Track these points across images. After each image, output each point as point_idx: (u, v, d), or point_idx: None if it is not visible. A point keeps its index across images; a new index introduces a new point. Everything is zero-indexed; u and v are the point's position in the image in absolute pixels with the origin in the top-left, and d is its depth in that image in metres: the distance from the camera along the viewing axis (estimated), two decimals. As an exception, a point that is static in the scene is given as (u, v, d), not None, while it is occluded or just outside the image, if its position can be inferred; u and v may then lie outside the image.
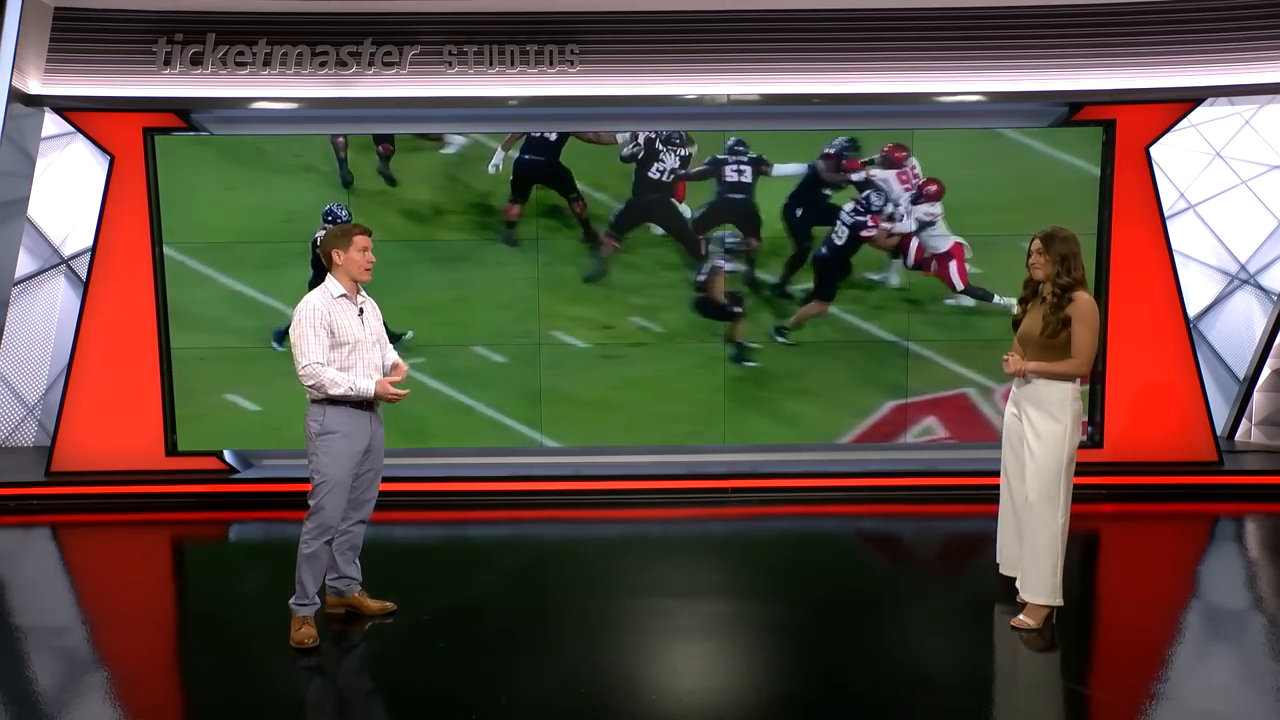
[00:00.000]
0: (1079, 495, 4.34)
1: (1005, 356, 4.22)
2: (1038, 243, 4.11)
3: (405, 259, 6.34)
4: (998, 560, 4.49)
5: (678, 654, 4.14)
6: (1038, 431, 4.09)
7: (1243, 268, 7.21)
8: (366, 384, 4.08)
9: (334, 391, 4.02)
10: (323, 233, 5.87)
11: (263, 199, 6.31)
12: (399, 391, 4.14)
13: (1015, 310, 4.34)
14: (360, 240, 4.13)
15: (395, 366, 4.30)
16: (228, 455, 6.58)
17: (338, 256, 4.11)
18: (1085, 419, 4.31)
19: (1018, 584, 4.30)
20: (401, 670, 3.92)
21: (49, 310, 7.19)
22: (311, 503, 4.10)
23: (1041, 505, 4.09)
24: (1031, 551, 4.15)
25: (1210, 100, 6.56)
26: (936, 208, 6.36)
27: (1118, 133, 6.31)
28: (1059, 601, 4.16)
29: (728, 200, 6.38)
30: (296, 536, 4.15)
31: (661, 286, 6.44)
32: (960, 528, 5.95)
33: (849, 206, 6.39)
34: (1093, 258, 6.29)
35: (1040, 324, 4.10)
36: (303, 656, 4.01)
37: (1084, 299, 4.05)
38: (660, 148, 6.31)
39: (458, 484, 6.45)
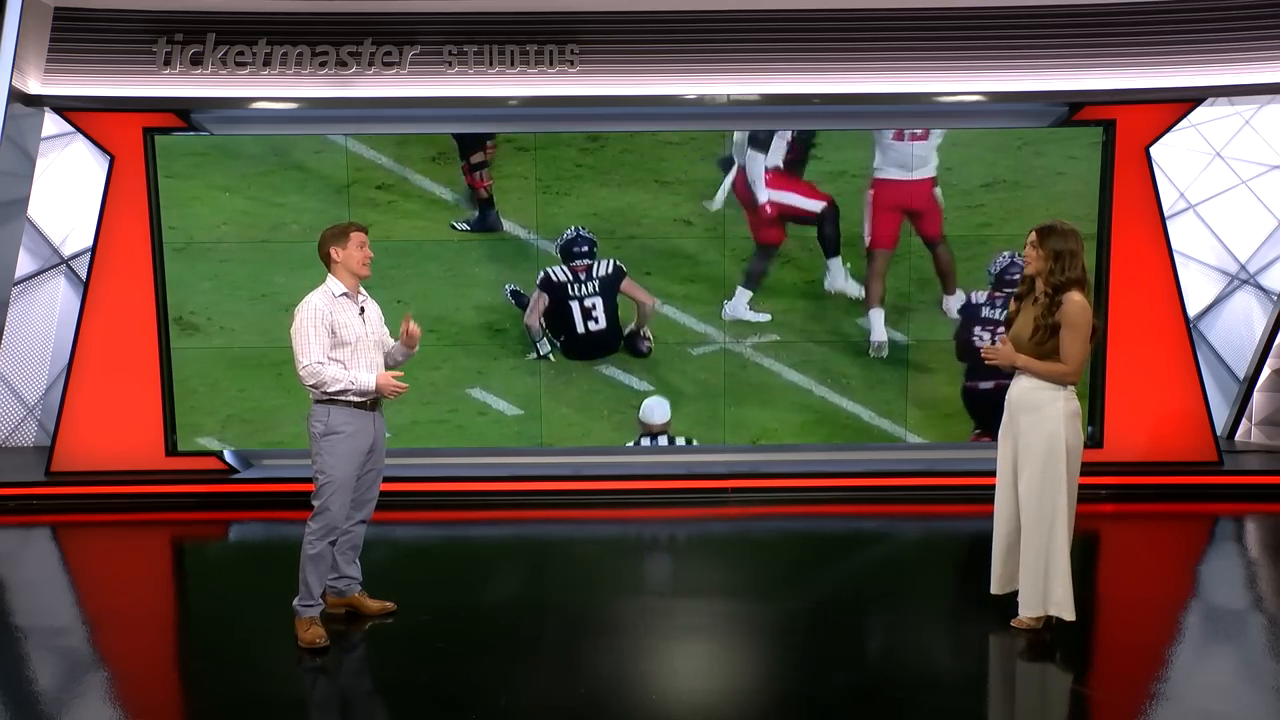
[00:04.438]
0: (1078, 495, 4.31)
1: (1001, 337, 4.06)
2: (1034, 235, 3.95)
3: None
4: (990, 579, 4.27)
5: (678, 654, 4.14)
6: (1030, 438, 3.98)
7: (1243, 268, 7.21)
8: (367, 378, 4.07)
9: (334, 389, 4.01)
10: None
11: (266, 199, 6.32)
12: (400, 385, 4.12)
13: (1011, 306, 4.17)
14: (357, 237, 4.13)
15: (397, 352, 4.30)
16: (228, 455, 6.58)
17: (336, 254, 4.11)
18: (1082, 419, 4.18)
19: (1019, 599, 4.15)
20: (401, 670, 3.92)
21: (49, 310, 7.19)
22: (316, 503, 4.09)
23: (1040, 513, 3.97)
24: (1033, 563, 4.00)
25: (1210, 100, 6.56)
26: None
27: (1118, 133, 6.31)
28: (1068, 616, 3.99)
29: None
30: (297, 536, 4.15)
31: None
32: (960, 528, 5.95)
33: None
34: (1093, 258, 6.29)
35: (1031, 327, 3.95)
36: (310, 656, 4.00)
37: (1074, 301, 3.87)
38: None
39: (458, 484, 6.45)
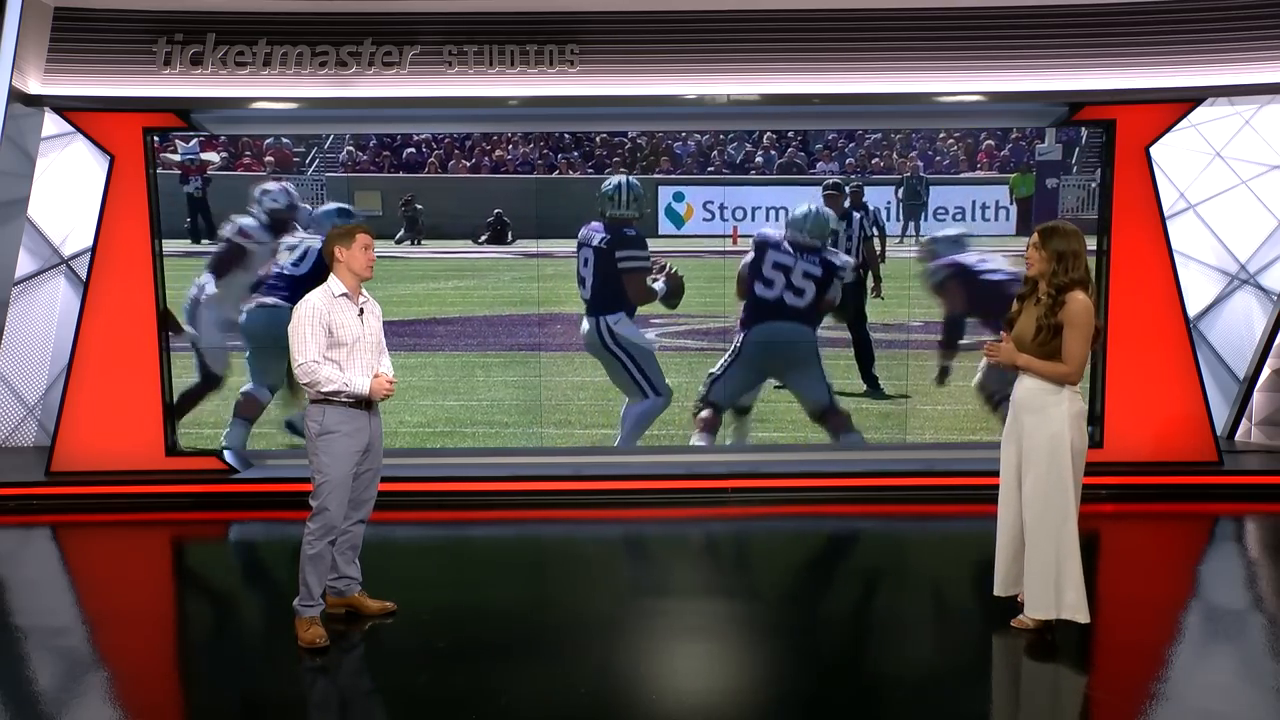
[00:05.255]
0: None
1: (1003, 335, 4.04)
2: (1036, 236, 3.94)
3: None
4: (994, 582, 4.22)
5: (678, 654, 4.14)
6: (1034, 439, 3.95)
7: (1243, 268, 7.20)
8: (361, 382, 4.09)
9: (328, 389, 4.03)
10: None
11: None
12: (390, 387, 4.17)
13: (1013, 307, 4.13)
14: (363, 239, 4.15)
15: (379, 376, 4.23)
16: (228, 455, 6.58)
17: (340, 253, 4.13)
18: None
19: (1019, 598, 4.15)
20: (401, 670, 3.92)
21: (49, 310, 7.19)
22: (314, 503, 4.10)
23: (1046, 514, 3.94)
24: (1040, 565, 3.97)
25: (1210, 100, 6.55)
26: None
27: (1118, 133, 6.30)
28: (1082, 619, 3.95)
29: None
30: (297, 536, 4.15)
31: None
32: (960, 528, 5.94)
33: None
34: (1093, 258, 6.29)
35: (1034, 328, 3.93)
36: (310, 656, 4.00)
37: (1077, 300, 3.86)
38: None
39: (458, 484, 6.44)
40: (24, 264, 6.98)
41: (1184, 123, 6.59)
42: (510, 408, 6.70)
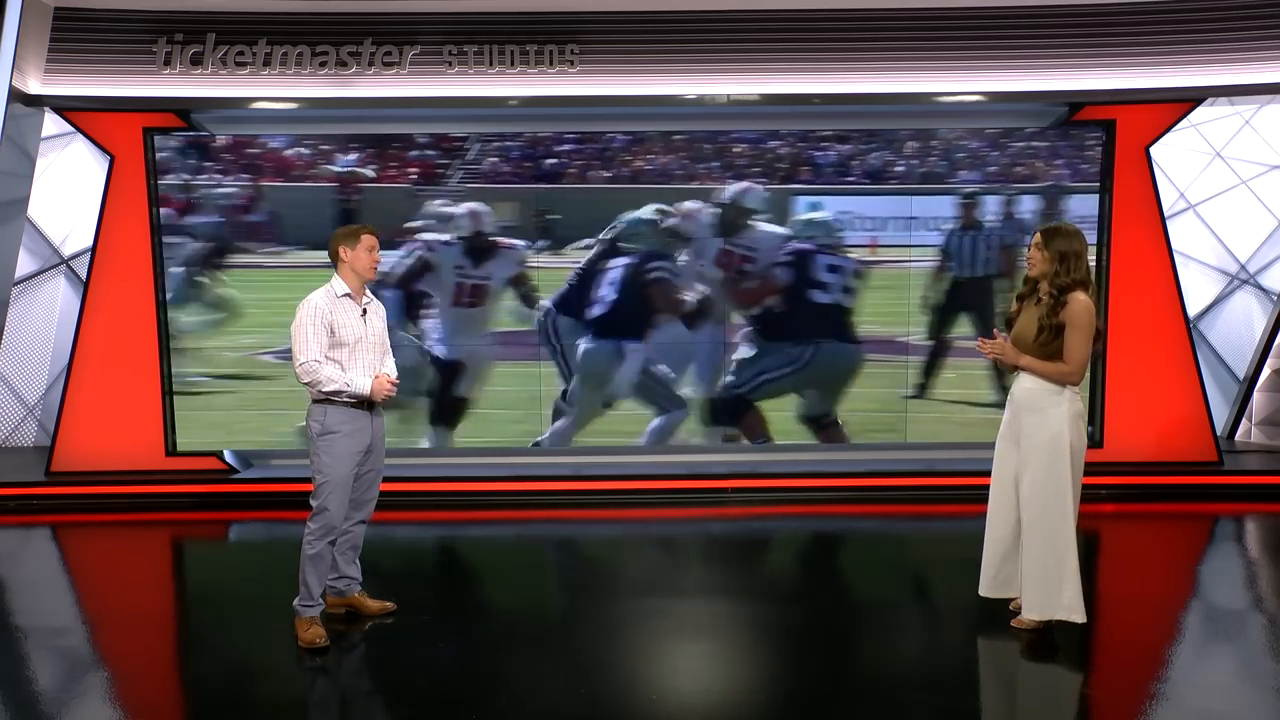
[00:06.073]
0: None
1: (996, 333, 4.04)
2: (1038, 237, 3.94)
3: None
4: (980, 581, 4.20)
5: (678, 654, 4.14)
6: (1033, 439, 3.94)
7: (1243, 268, 7.20)
8: (363, 382, 4.09)
9: (329, 389, 4.03)
10: None
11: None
12: (390, 388, 4.16)
13: (1012, 307, 4.14)
14: (368, 240, 4.15)
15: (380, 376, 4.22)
16: (228, 455, 6.58)
17: (344, 253, 4.13)
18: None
19: (1012, 605, 4.16)
20: (401, 670, 3.92)
21: (49, 310, 7.19)
22: (314, 503, 4.10)
23: (1044, 515, 3.93)
24: (1038, 566, 3.95)
25: (1210, 100, 6.56)
26: None
27: (1118, 133, 6.31)
28: (1079, 619, 3.95)
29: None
30: (297, 536, 4.16)
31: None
32: (960, 528, 5.94)
33: None
34: (1093, 258, 6.29)
35: (1035, 327, 3.92)
36: (310, 656, 4.00)
37: (1078, 300, 3.85)
38: None
39: (458, 484, 6.45)
40: (24, 264, 6.98)
41: (1184, 123, 6.59)
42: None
